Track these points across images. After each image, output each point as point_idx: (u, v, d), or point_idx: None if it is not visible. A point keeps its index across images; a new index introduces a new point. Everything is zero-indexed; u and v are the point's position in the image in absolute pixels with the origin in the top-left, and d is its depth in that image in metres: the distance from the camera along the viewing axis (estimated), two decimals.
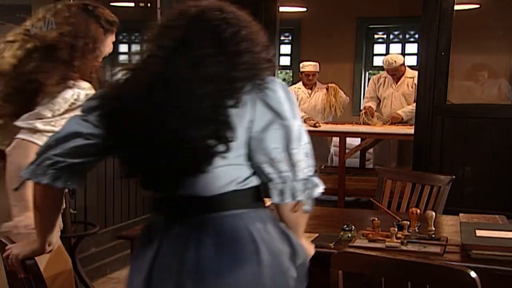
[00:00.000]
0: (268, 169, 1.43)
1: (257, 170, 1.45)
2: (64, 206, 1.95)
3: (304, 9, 7.08)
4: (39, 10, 1.98)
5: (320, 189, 1.49)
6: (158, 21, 1.47)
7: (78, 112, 1.58)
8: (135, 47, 8.09)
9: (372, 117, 5.71)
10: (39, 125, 1.88)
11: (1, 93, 1.91)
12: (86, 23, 1.97)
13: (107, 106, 1.41)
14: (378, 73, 6.38)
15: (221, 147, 1.35)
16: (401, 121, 5.59)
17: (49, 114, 1.90)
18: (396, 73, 5.66)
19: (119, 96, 1.40)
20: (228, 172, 1.41)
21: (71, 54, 1.92)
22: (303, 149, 1.45)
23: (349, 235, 2.11)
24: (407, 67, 5.76)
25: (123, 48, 8.15)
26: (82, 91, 1.94)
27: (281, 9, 5.72)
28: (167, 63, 1.36)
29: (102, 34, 2.01)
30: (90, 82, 1.99)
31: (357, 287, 1.69)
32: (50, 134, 1.65)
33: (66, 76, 1.91)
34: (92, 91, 1.93)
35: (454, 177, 2.90)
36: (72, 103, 1.91)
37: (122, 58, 8.31)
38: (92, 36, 1.97)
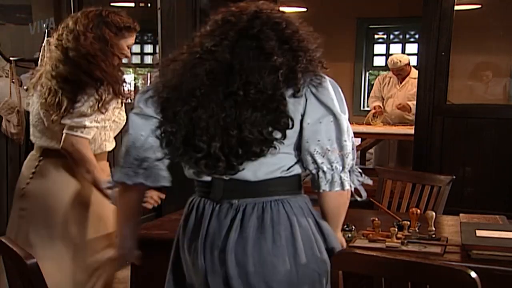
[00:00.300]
0: (320, 159, 1.51)
1: (306, 160, 1.53)
2: None
3: (304, 9, 7.08)
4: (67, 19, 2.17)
5: (363, 178, 1.60)
6: (212, 18, 1.56)
7: (111, 106, 2.04)
8: (135, 47, 8.11)
9: (380, 115, 5.68)
10: (87, 122, 2.08)
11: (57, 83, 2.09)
12: (100, 35, 2.12)
13: (165, 95, 1.51)
14: (378, 73, 6.39)
15: (278, 134, 1.46)
16: (408, 112, 5.53)
17: (89, 111, 2.08)
18: (401, 72, 5.64)
19: (179, 84, 1.48)
20: (278, 159, 1.51)
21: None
22: (351, 142, 1.55)
23: (349, 235, 2.10)
24: (412, 68, 5.73)
25: None
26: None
27: (282, 9, 5.72)
28: (234, 53, 1.46)
29: (113, 38, 2.14)
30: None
31: (357, 287, 1.69)
32: (95, 128, 2.09)
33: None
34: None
35: (454, 177, 2.89)
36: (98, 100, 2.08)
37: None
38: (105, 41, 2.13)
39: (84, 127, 2.07)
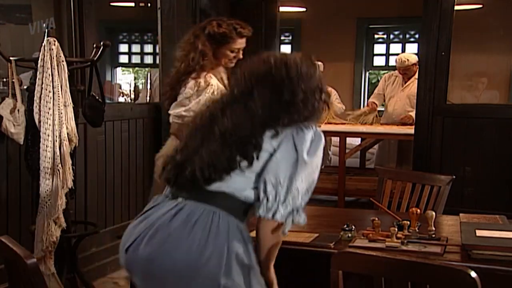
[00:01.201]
0: (270, 187, 1.66)
1: (259, 186, 1.68)
2: (64, 206, 2.21)
3: (304, 9, 7.08)
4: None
5: (302, 221, 1.71)
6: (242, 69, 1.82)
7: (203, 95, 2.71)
8: (135, 47, 8.11)
9: (373, 112, 5.68)
10: (184, 113, 2.74)
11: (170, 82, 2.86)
12: (196, 41, 2.78)
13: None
14: (379, 73, 6.36)
15: (244, 163, 1.66)
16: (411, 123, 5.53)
17: (186, 102, 2.76)
18: (408, 72, 5.62)
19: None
20: (237, 180, 1.68)
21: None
22: (307, 185, 1.69)
23: (349, 235, 2.11)
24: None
25: (123, 48, 8.17)
26: (201, 79, 2.76)
27: (281, 9, 5.72)
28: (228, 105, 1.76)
29: (208, 47, 2.75)
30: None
31: (357, 287, 1.69)
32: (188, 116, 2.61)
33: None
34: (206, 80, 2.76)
35: (454, 177, 2.89)
36: (196, 90, 2.74)
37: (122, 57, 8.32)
38: (200, 51, 2.76)
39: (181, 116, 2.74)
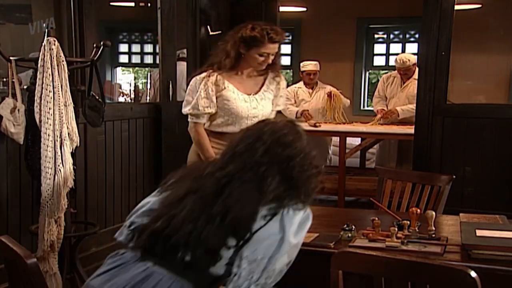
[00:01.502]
0: (245, 264, 1.56)
1: (235, 260, 1.58)
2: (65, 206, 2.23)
3: (304, 9, 7.08)
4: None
5: None
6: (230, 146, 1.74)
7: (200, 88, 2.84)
8: (135, 47, 8.11)
9: (385, 119, 5.67)
10: (190, 111, 2.89)
11: None
12: (227, 43, 2.86)
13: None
14: (379, 73, 6.36)
15: (233, 242, 1.57)
16: (395, 118, 5.55)
17: (189, 98, 2.90)
18: (408, 72, 5.61)
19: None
20: (224, 254, 1.58)
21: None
22: (284, 265, 1.62)
23: (349, 235, 2.11)
24: (417, 68, 5.68)
25: (123, 48, 8.17)
26: (198, 77, 2.88)
27: (282, 8, 5.72)
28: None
29: (236, 49, 2.82)
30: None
31: (357, 287, 1.69)
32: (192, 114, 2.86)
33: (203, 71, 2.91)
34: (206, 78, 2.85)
35: (454, 177, 2.89)
36: (195, 85, 2.89)
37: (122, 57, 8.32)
38: (227, 52, 2.85)
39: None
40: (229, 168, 1.65)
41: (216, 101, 2.87)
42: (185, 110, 2.92)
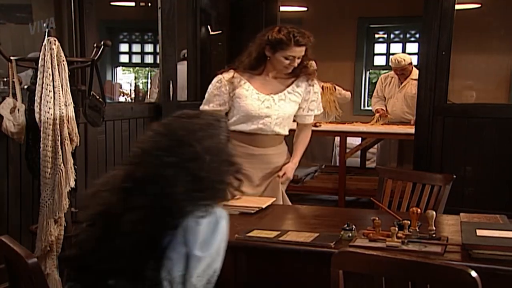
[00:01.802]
0: (165, 283, 1.50)
1: (158, 281, 1.50)
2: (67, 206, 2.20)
3: (305, 9, 7.08)
4: None
5: None
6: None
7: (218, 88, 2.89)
8: (135, 47, 8.11)
9: (385, 118, 5.67)
10: (202, 107, 2.93)
11: None
12: (253, 44, 2.86)
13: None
14: (379, 72, 6.35)
15: (152, 265, 1.49)
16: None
17: (206, 95, 2.94)
18: (404, 72, 5.61)
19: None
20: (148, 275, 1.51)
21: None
22: (206, 279, 1.53)
23: (350, 234, 2.10)
24: (414, 68, 5.69)
25: (124, 47, 8.17)
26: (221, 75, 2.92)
27: (282, 8, 5.72)
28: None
29: (256, 51, 2.83)
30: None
31: (358, 287, 1.69)
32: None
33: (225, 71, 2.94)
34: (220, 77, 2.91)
35: (455, 176, 2.89)
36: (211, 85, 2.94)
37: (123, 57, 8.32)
38: (249, 52, 2.87)
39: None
40: (135, 175, 1.54)
41: (230, 99, 2.88)
42: (200, 107, 2.95)
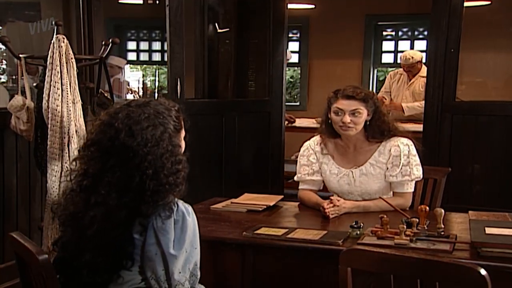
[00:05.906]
0: (153, 282, 1.57)
1: (146, 279, 1.59)
2: None
3: (313, 6, 7.06)
4: None
5: None
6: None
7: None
8: (143, 44, 8.13)
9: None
10: (296, 178, 2.73)
11: None
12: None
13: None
14: (387, 70, 6.32)
15: (128, 263, 1.56)
16: (400, 114, 5.49)
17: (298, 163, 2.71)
18: (412, 69, 5.58)
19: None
20: (126, 277, 1.59)
21: None
22: (188, 272, 1.59)
23: (358, 232, 2.10)
24: (423, 65, 5.64)
25: (132, 45, 8.18)
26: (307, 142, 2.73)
27: (290, 6, 5.69)
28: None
29: (324, 115, 2.62)
30: None
31: (366, 285, 1.68)
32: None
33: None
34: None
35: (450, 169, 2.88)
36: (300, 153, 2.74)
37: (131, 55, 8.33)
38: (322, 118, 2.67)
39: None
40: (89, 172, 1.56)
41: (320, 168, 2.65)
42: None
